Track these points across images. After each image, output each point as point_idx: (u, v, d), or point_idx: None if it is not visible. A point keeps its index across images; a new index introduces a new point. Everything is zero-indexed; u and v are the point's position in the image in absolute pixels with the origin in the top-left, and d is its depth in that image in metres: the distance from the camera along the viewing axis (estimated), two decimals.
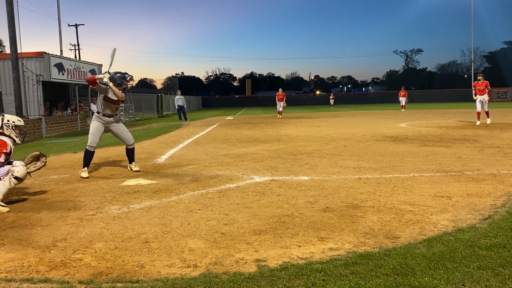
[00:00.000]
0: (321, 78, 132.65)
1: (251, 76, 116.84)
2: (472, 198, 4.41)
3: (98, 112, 6.56)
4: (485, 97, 14.55)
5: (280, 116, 23.44)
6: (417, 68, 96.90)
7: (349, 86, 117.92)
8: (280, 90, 24.41)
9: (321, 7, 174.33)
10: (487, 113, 14.61)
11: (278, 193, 4.89)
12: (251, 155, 8.31)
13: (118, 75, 6.51)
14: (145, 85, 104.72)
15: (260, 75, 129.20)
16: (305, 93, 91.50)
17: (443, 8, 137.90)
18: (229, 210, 4.20)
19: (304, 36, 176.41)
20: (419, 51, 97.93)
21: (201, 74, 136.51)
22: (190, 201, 4.65)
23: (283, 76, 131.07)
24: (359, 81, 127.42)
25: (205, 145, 10.34)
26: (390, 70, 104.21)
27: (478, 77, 15.07)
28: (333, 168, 6.54)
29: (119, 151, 7.19)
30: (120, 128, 6.74)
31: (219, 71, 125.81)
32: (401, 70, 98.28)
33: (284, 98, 23.75)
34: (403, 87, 30.60)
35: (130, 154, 6.83)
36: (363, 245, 3.12)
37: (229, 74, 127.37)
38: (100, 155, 8.23)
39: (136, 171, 6.68)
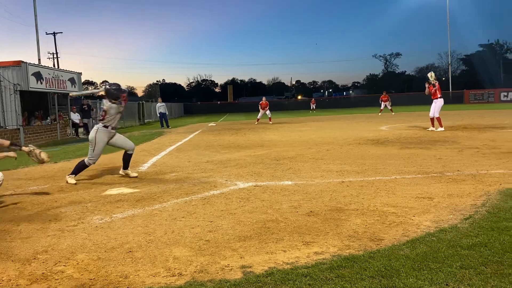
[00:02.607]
0: (303, 83, 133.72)
1: (233, 82, 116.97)
2: (453, 198, 4.48)
3: (105, 126, 6.54)
4: (441, 101, 13.49)
5: (270, 122, 23.34)
6: (396, 72, 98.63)
7: (330, 90, 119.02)
8: (264, 98, 24.46)
9: (301, 13, 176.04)
10: (438, 119, 13.48)
11: (262, 199, 4.89)
12: (234, 161, 8.29)
13: (113, 88, 6.53)
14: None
15: (241, 81, 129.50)
16: (286, 98, 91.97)
17: (420, 12, 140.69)
18: (213, 217, 4.17)
19: (285, 41, 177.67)
20: (397, 55, 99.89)
21: (183, 81, 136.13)
22: (174, 208, 4.61)
23: (265, 82, 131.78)
24: (340, 86, 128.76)
25: (187, 152, 10.28)
26: (370, 74, 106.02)
27: (432, 80, 13.65)
28: (316, 172, 6.57)
29: (100, 160, 7.09)
30: (120, 137, 6.93)
31: (200, 77, 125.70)
32: (381, 74, 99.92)
33: (268, 107, 23.79)
34: (385, 92, 30.95)
35: (128, 160, 6.89)
36: (347, 248, 3.14)
37: (211, 80, 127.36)
38: None
39: (134, 176, 6.76)
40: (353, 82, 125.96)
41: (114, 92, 6.49)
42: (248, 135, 15.15)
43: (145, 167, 8.02)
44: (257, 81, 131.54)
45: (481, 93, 50.46)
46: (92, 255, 3.23)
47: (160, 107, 24.93)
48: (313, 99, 58.73)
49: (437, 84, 13.62)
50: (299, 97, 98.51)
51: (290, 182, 5.82)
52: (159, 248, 3.33)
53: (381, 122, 19.71)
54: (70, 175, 6.47)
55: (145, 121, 33.10)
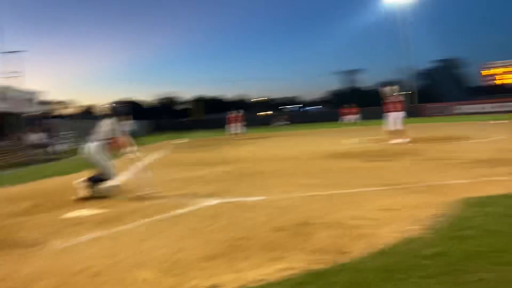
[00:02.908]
0: (271, 98, 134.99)
1: (201, 98, 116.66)
2: (414, 209, 4.63)
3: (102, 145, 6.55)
4: (400, 114, 13.82)
5: (241, 138, 23.38)
6: (359, 87, 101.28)
7: (297, 106, 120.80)
8: (236, 112, 24.53)
9: (266, 30, 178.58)
10: (400, 131, 13.85)
11: (230, 216, 4.88)
12: (202, 178, 8.24)
13: (121, 106, 6.78)
14: (91, 111, 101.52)
15: (209, 97, 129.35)
16: (252, 114, 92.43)
17: (380, 29, 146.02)
18: (181, 237, 4.13)
19: (252, 57, 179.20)
20: (359, 70, 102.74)
21: (150, 98, 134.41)
22: (140, 229, 4.53)
23: (232, 98, 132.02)
24: (306, 101, 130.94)
25: (155, 170, 10.12)
26: (335, 89, 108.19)
27: (393, 93, 14.12)
28: (284, 187, 6.63)
29: (59, 182, 6.89)
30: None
31: (167, 94, 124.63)
32: (345, 89, 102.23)
33: (239, 121, 23.81)
34: (349, 105, 31.72)
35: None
36: (316, 262, 3.17)
37: (178, 97, 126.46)
38: (39, 187, 7.83)
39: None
40: (317, 98, 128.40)
41: (123, 110, 6.62)
42: (216, 152, 15.11)
43: (109, 186, 7.82)
44: (225, 97, 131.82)
45: (438, 106, 52.48)
46: (55, 280, 3.12)
47: (126, 125, 24.50)
48: (286, 115, 59.25)
49: (394, 98, 14.08)
50: (267, 112, 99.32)
51: (258, 198, 5.84)
52: (126, 270, 3.26)
53: (346, 136, 20.14)
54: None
55: None
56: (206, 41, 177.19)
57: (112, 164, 6.59)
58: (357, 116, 30.15)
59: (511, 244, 3.24)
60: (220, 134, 31.63)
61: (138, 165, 6.72)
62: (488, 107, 48.00)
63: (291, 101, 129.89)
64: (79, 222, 5.04)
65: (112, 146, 6.63)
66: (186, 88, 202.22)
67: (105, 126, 6.68)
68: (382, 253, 3.25)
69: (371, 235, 3.79)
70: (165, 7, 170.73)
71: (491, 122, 25.83)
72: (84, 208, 5.90)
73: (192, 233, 4.24)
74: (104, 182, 6.57)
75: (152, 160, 13.24)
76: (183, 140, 27.49)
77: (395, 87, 14.50)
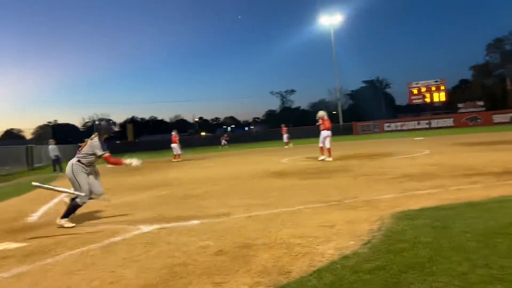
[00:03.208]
0: (205, 119, 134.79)
1: (133, 120, 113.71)
2: (352, 225, 4.74)
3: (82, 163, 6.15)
4: (329, 133, 14.58)
5: (179, 159, 22.84)
6: (292, 107, 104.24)
7: (233, 126, 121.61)
8: (174, 132, 24.07)
9: (201, 51, 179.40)
10: (328, 149, 14.64)
11: (168, 241, 4.69)
12: (137, 203, 7.91)
13: (112, 126, 6.34)
14: (12, 136, 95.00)
15: (142, 119, 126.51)
16: (190, 135, 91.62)
17: (310, 52, 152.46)
18: (114, 267, 3.88)
19: (186, 79, 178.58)
20: (292, 91, 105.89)
21: (78, 121, 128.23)
22: (69, 261, 4.20)
23: (167, 119, 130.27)
24: (241, 121, 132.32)
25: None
26: (269, 109, 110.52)
27: (323, 114, 14.93)
28: (223, 208, 6.53)
29: None
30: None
31: (97, 116, 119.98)
32: (278, 110, 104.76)
33: (177, 140, 23.44)
34: (283, 124, 32.64)
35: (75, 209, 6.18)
36: (258, 285, 3.11)
37: (110, 119, 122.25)
38: None
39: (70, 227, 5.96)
40: (253, 118, 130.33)
41: (109, 127, 6.26)
42: (151, 175, 14.65)
43: (34, 217, 7.26)
44: (158, 118, 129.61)
45: (367, 124, 55.34)
46: None
47: (53, 149, 23.11)
48: (225, 134, 59.06)
49: (323, 119, 14.82)
50: (202, 133, 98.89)
51: (197, 221, 5.69)
52: None
53: (283, 155, 20.50)
54: (65, 219, 5.94)
55: (35, 166, 30.31)
56: (140, 62, 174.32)
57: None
58: (288, 135, 31.03)
59: (441, 254, 3.39)
60: (156, 156, 30.85)
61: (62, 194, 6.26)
62: (413, 124, 51.42)
63: (228, 121, 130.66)
64: (4, 256, 4.58)
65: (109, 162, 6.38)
66: (119, 110, 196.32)
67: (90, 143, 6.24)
68: (322, 270, 3.26)
69: (311, 253, 3.80)
70: (95, 29, 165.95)
71: (415, 138, 27.64)
72: (7, 241, 5.39)
73: (127, 262, 4.00)
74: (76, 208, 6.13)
75: None
76: None
77: (323, 111, 15.49)
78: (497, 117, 46.63)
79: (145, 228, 5.50)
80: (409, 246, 3.66)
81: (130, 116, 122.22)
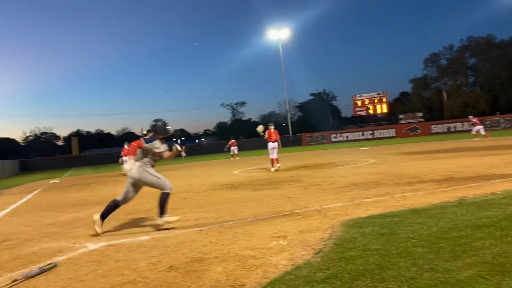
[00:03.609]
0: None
1: (78, 134, 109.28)
2: (304, 234, 4.80)
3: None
4: (276, 144, 15.15)
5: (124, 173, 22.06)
6: (243, 119, 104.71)
7: (183, 138, 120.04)
8: (126, 144, 23.30)
9: (149, 62, 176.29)
10: (276, 159, 15.30)
11: (117, 259, 4.50)
12: (83, 220, 7.56)
13: (168, 127, 6.36)
14: None
15: (88, 132, 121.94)
16: None
17: (260, 64, 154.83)
18: None
19: (133, 91, 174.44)
20: (243, 103, 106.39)
21: (17, 135, 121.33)
22: (8, 285, 3.91)
23: (114, 132, 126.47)
24: (192, 134, 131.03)
25: (25, 215, 9.01)
26: (220, 121, 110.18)
27: (270, 126, 15.49)
28: (174, 223, 6.38)
29: None
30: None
31: (39, 130, 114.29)
32: (229, 122, 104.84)
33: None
34: (232, 136, 33.10)
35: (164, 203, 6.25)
36: None
37: (52, 133, 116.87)
38: None
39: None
40: (204, 130, 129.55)
41: (164, 127, 6.28)
42: (98, 190, 14.09)
43: None
44: (105, 131, 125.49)
45: (316, 135, 56.69)
46: None
47: None
48: (183, 146, 57.94)
49: (267, 132, 15.35)
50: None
51: (147, 237, 5.52)
52: None
53: (233, 166, 20.48)
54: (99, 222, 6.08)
55: None
56: (85, 73, 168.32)
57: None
58: (236, 147, 31.77)
59: (390, 260, 3.50)
60: (103, 171, 29.76)
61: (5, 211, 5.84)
62: (358, 135, 53.29)
63: (178, 133, 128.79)
64: None
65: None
66: (63, 123, 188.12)
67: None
68: (276, 282, 3.26)
69: (264, 264, 3.80)
70: (35, 38, 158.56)
71: (361, 148, 28.65)
72: None
73: (72, 282, 3.79)
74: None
75: (22, 203, 11.79)
76: (59, 179, 25.21)
77: (271, 123, 16.03)
78: (435, 128, 49.39)
79: (92, 246, 5.26)
80: (359, 253, 3.75)
81: (75, 130, 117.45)
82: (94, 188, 15.23)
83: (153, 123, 6.29)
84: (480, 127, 27.04)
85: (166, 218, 6.10)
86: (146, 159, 6.23)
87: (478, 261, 3.28)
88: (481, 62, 71.63)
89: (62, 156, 66.31)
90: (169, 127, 6.40)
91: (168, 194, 6.18)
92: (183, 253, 4.48)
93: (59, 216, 8.37)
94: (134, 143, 6.06)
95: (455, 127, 48.06)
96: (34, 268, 4.24)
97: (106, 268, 4.17)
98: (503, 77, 65.76)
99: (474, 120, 28.33)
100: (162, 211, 6.10)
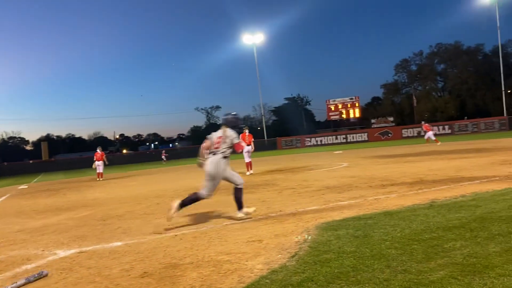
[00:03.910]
0: (127, 136, 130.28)
1: (48, 138, 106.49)
2: (279, 238, 4.80)
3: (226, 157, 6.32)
4: (250, 148, 15.22)
5: (101, 179, 21.53)
6: (218, 123, 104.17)
7: (156, 143, 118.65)
8: (99, 149, 22.82)
9: (121, 65, 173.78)
10: (250, 163, 15.48)
11: (89, 266, 4.38)
12: (52, 226, 7.33)
13: (238, 120, 6.59)
14: None
15: (58, 136, 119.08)
16: (111, 152, 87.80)
17: (235, 68, 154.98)
18: None
19: (105, 94, 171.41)
20: (217, 107, 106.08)
21: None
22: None
23: (85, 137, 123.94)
24: (165, 138, 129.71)
25: None
26: (194, 126, 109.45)
27: (244, 130, 15.60)
28: (148, 228, 6.28)
29: None
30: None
31: (6, 134, 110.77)
32: (204, 126, 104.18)
33: (103, 157, 22.28)
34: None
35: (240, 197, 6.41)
36: None
37: (20, 137, 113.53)
38: None
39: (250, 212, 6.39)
40: (178, 134, 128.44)
41: (236, 120, 6.45)
42: (69, 196, 13.72)
43: None
44: (76, 136, 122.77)
45: (290, 139, 57.07)
46: None
47: None
48: (163, 150, 57.31)
49: (241, 135, 15.39)
50: (124, 151, 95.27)
51: (119, 243, 5.40)
52: None
53: None
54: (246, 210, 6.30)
55: None
56: (55, 76, 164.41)
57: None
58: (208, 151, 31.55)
59: (364, 262, 3.54)
60: (74, 176, 29.05)
61: None
62: (331, 139, 53.95)
63: (151, 137, 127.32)
64: None
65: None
66: (32, 127, 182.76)
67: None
68: (251, 286, 3.24)
69: (240, 269, 3.77)
70: (2, 41, 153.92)
71: (335, 152, 28.99)
72: None
73: None
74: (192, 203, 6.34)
75: None
76: (28, 184, 24.44)
77: (245, 126, 16.34)
78: (406, 132, 50.52)
79: (62, 253, 5.10)
80: (334, 256, 3.78)
81: (44, 134, 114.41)
82: (64, 193, 14.83)
83: (224, 116, 6.49)
84: (431, 132, 28.24)
85: (246, 210, 6.33)
86: (227, 153, 6.33)
87: (449, 262, 3.35)
88: (450, 68, 73.89)
89: (31, 161, 64.40)
90: (240, 120, 6.73)
91: (241, 189, 6.40)
92: (157, 259, 4.40)
93: (27, 223, 8.10)
94: (238, 142, 6.36)
95: (425, 131, 49.25)
96: (20, 279, 4.05)
97: (77, 276, 4.05)
98: (470, 83, 68.00)
99: (426, 126, 29.36)
100: (240, 205, 6.34)
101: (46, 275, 4.10)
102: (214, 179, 6.25)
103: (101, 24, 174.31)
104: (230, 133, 6.28)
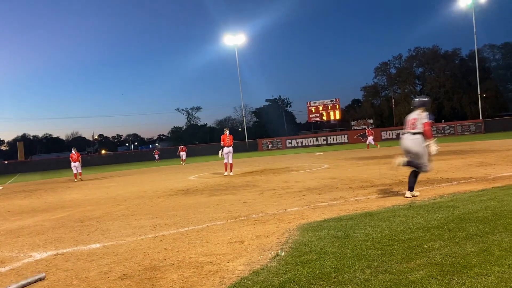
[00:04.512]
0: (106, 137, 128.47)
1: (24, 138, 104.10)
2: (260, 239, 4.78)
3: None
4: (231, 149, 15.43)
5: (78, 179, 21.10)
6: (199, 124, 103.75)
7: (136, 143, 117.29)
8: (74, 150, 22.34)
9: (100, 65, 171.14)
10: (231, 165, 15.56)
11: (66, 269, 4.27)
12: (28, 228, 7.14)
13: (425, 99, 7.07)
14: None
15: (35, 136, 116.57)
16: (89, 153, 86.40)
17: (216, 69, 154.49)
18: None
19: (84, 94, 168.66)
20: (198, 108, 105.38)
21: None
22: None
23: (63, 137, 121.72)
24: (145, 139, 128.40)
25: None
26: (175, 126, 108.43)
27: (225, 131, 15.81)
28: (127, 230, 6.18)
29: None
30: None
31: None
32: (184, 127, 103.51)
33: (79, 158, 21.83)
34: (182, 143, 35.25)
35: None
36: None
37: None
38: None
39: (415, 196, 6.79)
40: (158, 135, 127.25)
41: (430, 102, 7.00)
42: (45, 197, 13.41)
43: None
44: (53, 136, 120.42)
45: (271, 141, 57.21)
46: None
47: None
48: (156, 149, 57.02)
49: (222, 136, 15.61)
50: (103, 151, 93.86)
51: (98, 245, 5.29)
52: None
53: (189, 172, 20.20)
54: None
55: None
56: (31, 74, 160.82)
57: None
58: (185, 153, 33.93)
59: (345, 263, 3.55)
60: (51, 177, 28.44)
61: None
62: (312, 140, 54.28)
63: (131, 138, 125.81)
64: None
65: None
66: (7, 126, 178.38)
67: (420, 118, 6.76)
68: (234, 287, 3.21)
69: (221, 270, 3.74)
70: None
71: (316, 153, 29.18)
72: None
73: None
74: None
75: None
76: (2, 185, 23.80)
77: (225, 127, 16.63)
78: (385, 134, 51.25)
79: (38, 255, 4.97)
80: (315, 257, 3.78)
81: (20, 134, 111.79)
82: (40, 195, 14.49)
83: (419, 99, 7.01)
84: (370, 138, 29.41)
85: (414, 192, 6.83)
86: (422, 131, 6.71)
87: (429, 262, 3.39)
88: (427, 71, 75.33)
89: (6, 162, 62.77)
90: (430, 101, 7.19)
91: (419, 173, 6.85)
92: (136, 261, 4.33)
93: (1, 225, 7.87)
94: (427, 125, 6.66)
95: (403, 133, 50.04)
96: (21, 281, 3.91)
97: (54, 279, 3.95)
98: (447, 86, 69.44)
99: (369, 131, 30.51)
100: (412, 187, 6.84)
101: (44, 278, 3.98)
102: (418, 155, 6.69)
103: (80, 23, 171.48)
104: (423, 114, 6.77)
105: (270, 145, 55.16)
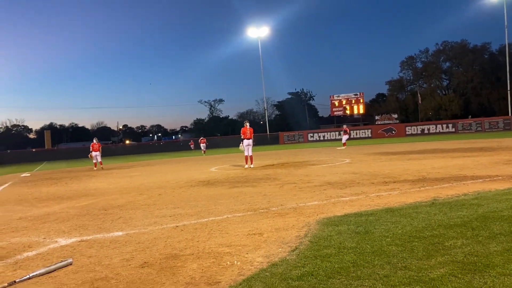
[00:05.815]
0: (130, 127, 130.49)
1: (51, 127, 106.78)
2: (280, 232, 4.80)
3: None
4: (251, 141, 15.41)
5: (96, 168, 21.70)
6: (221, 116, 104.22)
7: (159, 134, 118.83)
8: (95, 140, 22.86)
9: (126, 57, 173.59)
10: (251, 157, 15.54)
11: (89, 255, 4.40)
12: (54, 214, 7.36)
13: None
14: None
15: (61, 125, 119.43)
16: (113, 143, 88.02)
17: (239, 63, 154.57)
18: (28, 284, 3.54)
19: (110, 84, 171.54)
20: (221, 101, 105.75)
21: None
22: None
23: (88, 126, 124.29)
24: (168, 130, 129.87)
25: None
26: (197, 118, 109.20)
27: (245, 123, 15.79)
28: (149, 219, 6.29)
29: None
30: None
31: (10, 122, 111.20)
32: (207, 119, 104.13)
33: (99, 148, 22.33)
34: (203, 134, 37.03)
35: None
36: None
37: (24, 125, 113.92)
38: None
39: None
40: (181, 126, 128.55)
41: None
42: (71, 185, 13.77)
43: None
44: (79, 125, 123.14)
45: (293, 134, 57.02)
46: None
47: None
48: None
49: (242, 129, 15.63)
50: (127, 141, 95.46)
51: (120, 233, 5.41)
52: None
53: (210, 163, 20.36)
54: None
55: None
56: (60, 65, 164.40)
57: None
58: (205, 144, 35.89)
59: (364, 258, 3.53)
60: (76, 165, 29.14)
61: None
62: (334, 134, 53.82)
63: (155, 129, 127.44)
64: None
65: None
66: (35, 115, 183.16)
67: None
68: (251, 279, 3.24)
69: (241, 261, 3.77)
70: (6, 27, 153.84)
71: (338, 148, 28.95)
72: None
73: (42, 279, 3.67)
74: None
75: None
76: (30, 173, 24.53)
77: (246, 120, 16.71)
78: (410, 129, 50.40)
79: (63, 241, 5.13)
80: (335, 251, 3.77)
81: (48, 123, 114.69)
82: (66, 182, 14.89)
83: None
84: (346, 136, 29.42)
85: None
86: None
87: (450, 260, 3.34)
88: (455, 66, 73.48)
89: (33, 150, 64.58)
90: None
91: None
92: (157, 250, 4.41)
93: (29, 211, 8.13)
94: None
95: (428, 129, 49.22)
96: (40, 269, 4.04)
97: (78, 264, 4.07)
98: (475, 82, 67.60)
99: (346, 128, 30.50)
100: None
101: (71, 263, 4.10)
102: None
103: (108, 14, 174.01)
104: None
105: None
